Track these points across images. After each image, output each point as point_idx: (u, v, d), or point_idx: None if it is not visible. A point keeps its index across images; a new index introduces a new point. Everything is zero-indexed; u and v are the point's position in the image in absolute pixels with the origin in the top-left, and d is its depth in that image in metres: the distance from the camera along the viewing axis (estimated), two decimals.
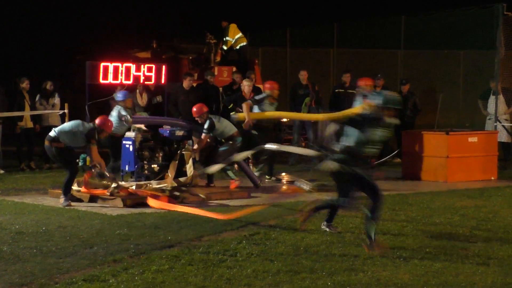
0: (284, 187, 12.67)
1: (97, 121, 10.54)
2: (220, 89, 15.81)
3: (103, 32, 27.98)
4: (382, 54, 21.42)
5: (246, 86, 14.26)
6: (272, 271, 6.58)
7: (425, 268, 6.73)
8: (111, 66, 12.63)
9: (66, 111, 14.39)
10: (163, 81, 13.42)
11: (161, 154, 11.63)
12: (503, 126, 15.59)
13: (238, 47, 17.63)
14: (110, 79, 12.66)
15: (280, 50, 21.78)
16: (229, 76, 16.56)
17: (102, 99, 13.45)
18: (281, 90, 19.86)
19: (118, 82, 13.04)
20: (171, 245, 7.60)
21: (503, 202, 10.79)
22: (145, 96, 14.55)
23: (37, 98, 15.05)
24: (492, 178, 13.85)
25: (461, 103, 20.99)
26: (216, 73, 16.73)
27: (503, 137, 15.49)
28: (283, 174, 14.21)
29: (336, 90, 16.28)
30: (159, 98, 15.11)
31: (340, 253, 7.28)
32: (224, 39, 17.49)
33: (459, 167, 13.56)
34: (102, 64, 12.59)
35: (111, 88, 14.00)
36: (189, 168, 11.47)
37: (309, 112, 15.82)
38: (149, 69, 13.28)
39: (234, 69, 16.59)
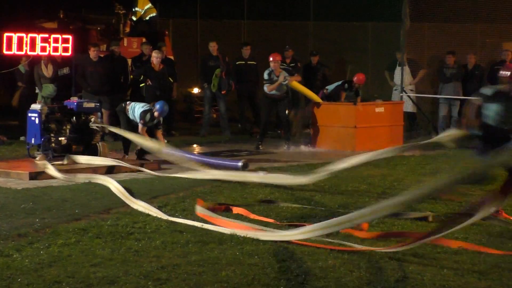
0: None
1: None
2: (129, 60, 15.59)
3: (6, 1, 27.02)
4: (292, 26, 21.53)
5: (155, 57, 14.13)
6: (181, 242, 6.55)
7: (331, 236, 6.80)
8: (15, 36, 12.26)
9: None
10: (70, 52, 13.12)
11: (68, 127, 11.39)
12: (409, 96, 15.95)
13: (147, 18, 17.42)
14: (14, 50, 12.29)
15: (191, 22, 21.60)
16: (138, 47, 16.35)
17: (5, 70, 13.07)
18: (192, 62, 19.83)
19: (23, 53, 12.68)
20: (79, 218, 7.46)
21: (407, 170, 11.06)
22: (50, 67, 14.21)
23: None
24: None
25: (370, 74, 21.34)
26: (125, 44, 16.49)
27: (408, 107, 15.85)
28: (194, 146, 14.19)
29: (237, 63, 16.34)
30: (66, 70, 14.78)
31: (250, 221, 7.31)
32: (133, 9, 17.24)
33: (367, 137, 13.82)
34: (5, 35, 12.20)
35: (16, 59, 13.61)
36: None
37: (219, 83, 15.83)
38: (56, 40, 12.95)
39: (144, 40, 16.37)
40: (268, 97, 13.79)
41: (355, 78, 14.42)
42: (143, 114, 11.40)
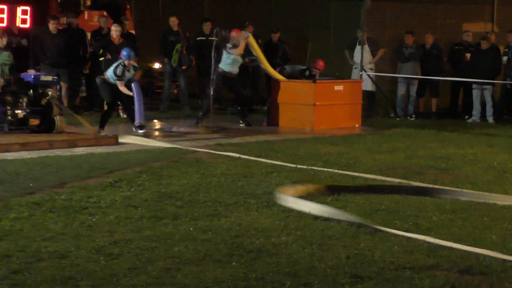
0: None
1: None
2: (89, 34, 15.40)
3: None
4: (255, 2, 21.43)
5: (114, 31, 14.00)
6: (135, 217, 6.52)
7: (286, 213, 6.84)
8: None
9: None
10: (28, 24, 12.92)
11: (25, 100, 11.24)
12: (368, 75, 16.02)
13: None
14: None
15: None
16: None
17: None
18: (154, 36, 19.64)
19: None
20: (32, 192, 7.38)
21: (364, 148, 11.13)
22: (5, 38, 13.97)
23: None
24: (356, 125, 14.27)
25: (331, 53, 21.35)
26: (86, 17, 16.29)
27: (367, 86, 15.93)
28: (155, 121, 14.11)
29: (198, 38, 16.24)
30: (24, 42, 14.55)
31: (204, 199, 7.30)
32: None
33: (325, 115, 13.86)
34: None
35: None
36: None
37: (180, 59, 15.73)
38: (14, 11, 12.74)
39: (104, 13, 16.16)
40: (223, 76, 13.66)
41: (315, 65, 14.36)
42: (115, 69, 11.77)
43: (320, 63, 14.43)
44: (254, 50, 14.12)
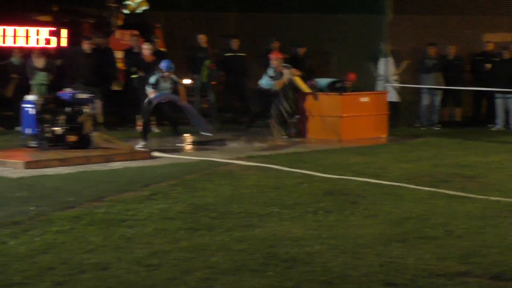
0: None
1: None
2: (121, 52, 15.50)
3: None
4: (278, 17, 21.42)
5: (145, 49, 14.12)
6: (172, 229, 6.52)
7: (318, 222, 6.82)
8: (9, 29, 12.17)
9: None
10: (63, 44, 13.05)
11: (63, 117, 11.32)
12: (393, 86, 15.93)
13: (139, 11, 17.32)
14: (8, 43, 12.21)
15: (181, 15, 21.46)
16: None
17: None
18: (182, 54, 19.71)
19: (17, 45, 12.60)
20: (72, 206, 7.41)
21: (391, 158, 11.05)
22: (42, 59, 14.12)
23: None
24: (382, 136, 14.18)
25: (354, 65, 21.25)
26: (118, 36, 16.41)
27: (392, 97, 15.84)
28: (185, 135, 14.12)
29: (226, 54, 16.28)
30: (58, 62, 14.67)
31: (238, 210, 7.28)
32: (125, 3, 17.13)
33: (352, 126, 13.79)
34: (0, 27, 12.11)
35: (8, 52, 13.52)
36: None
37: (209, 74, 15.79)
38: (49, 33, 12.88)
39: (134, 33, 16.27)
40: (262, 91, 13.70)
41: (347, 77, 14.37)
42: (151, 79, 12.12)
43: (352, 76, 14.42)
44: (297, 85, 14.16)
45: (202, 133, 12.74)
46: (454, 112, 16.52)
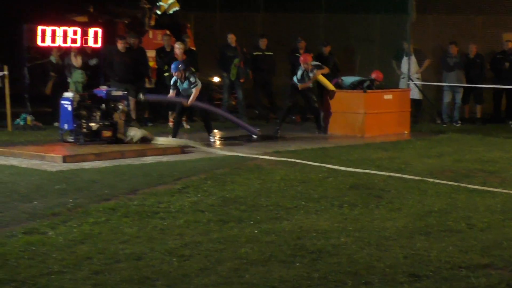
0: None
1: None
2: (154, 51, 15.55)
3: None
4: (304, 17, 21.35)
5: (177, 48, 14.12)
6: (203, 221, 6.53)
7: (343, 215, 6.79)
8: (48, 29, 12.25)
9: (5, 72, 13.88)
10: (99, 44, 13.11)
11: (98, 113, 11.40)
12: (415, 84, 15.81)
13: (171, 12, 17.36)
14: (48, 42, 12.29)
15: (210, 15, 21.48)
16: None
17: (39, 61, 13.06)
18: (212, 52, 19.72)
19: (56, 45, 12.69)
20: (108, 199, 7.45)
21: (413, 153, 10.97)
22: (79, 58, 14.19)
23: None
24: (405, 132, 14.08)
25: (378, 63, 21.13)
26: (151, 36, 16.47)
27: (415, 94, 15.72)
28: (215, 131, 14.12)
29: (255, 53, 16.27)
30: (94, 61, 14.75)
31: (266, 203, 7.27)
32: (158, 4, 17.19)
33: (375, 122, 13.71)
34: (40, 28, 12.19)
35: (47, 51, 13.61)
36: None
37: (238, 72, 15.79)
38: (86, 33, 12.95)
39: (166, 32, 16.31)
40: (295, 87, 13.72)
41: (374, 76, 14.27)
42: (171, 80, 12.34)
43: (380, 75, 14.32)
44: (322, 83, 14.12)
45: (252, 135, 12.99)
46: (475, 109, 16.35)
